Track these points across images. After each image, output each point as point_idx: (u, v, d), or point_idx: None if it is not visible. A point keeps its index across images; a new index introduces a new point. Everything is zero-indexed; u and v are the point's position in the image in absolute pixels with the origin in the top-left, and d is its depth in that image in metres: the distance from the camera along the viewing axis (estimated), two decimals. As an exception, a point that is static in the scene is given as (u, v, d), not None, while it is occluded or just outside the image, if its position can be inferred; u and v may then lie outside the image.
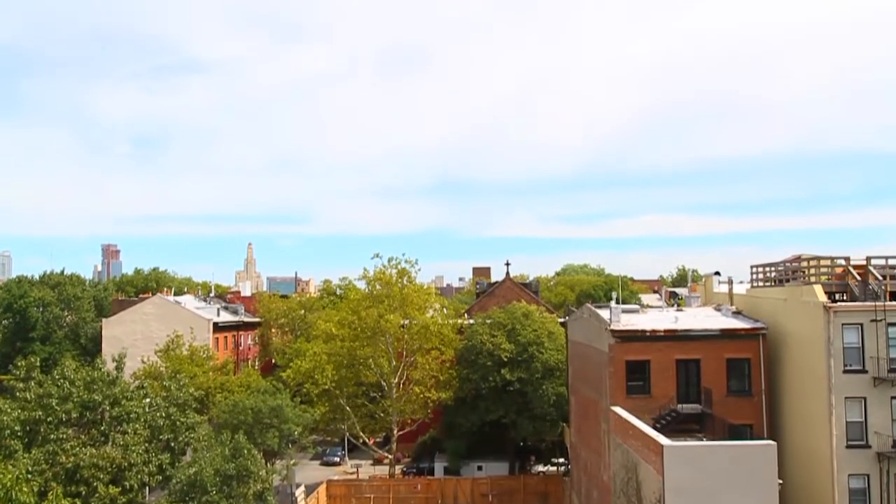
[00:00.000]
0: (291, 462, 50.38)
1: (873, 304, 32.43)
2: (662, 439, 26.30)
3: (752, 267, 41.99)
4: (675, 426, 33.72)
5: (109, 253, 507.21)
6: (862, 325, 32.28)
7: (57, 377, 37.58)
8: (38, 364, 39.35)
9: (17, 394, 37.22)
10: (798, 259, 38.22)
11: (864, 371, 32.13)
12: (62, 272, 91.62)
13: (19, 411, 35.40)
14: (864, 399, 32.08)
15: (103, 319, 75.25)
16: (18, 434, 34.56)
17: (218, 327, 74.07)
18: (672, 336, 37.06)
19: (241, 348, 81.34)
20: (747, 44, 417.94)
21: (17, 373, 38.59)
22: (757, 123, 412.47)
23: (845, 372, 32.07)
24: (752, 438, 31.86)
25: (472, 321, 59.98)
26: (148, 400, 40.29)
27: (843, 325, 32.27)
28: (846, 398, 31.98)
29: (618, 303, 44.25)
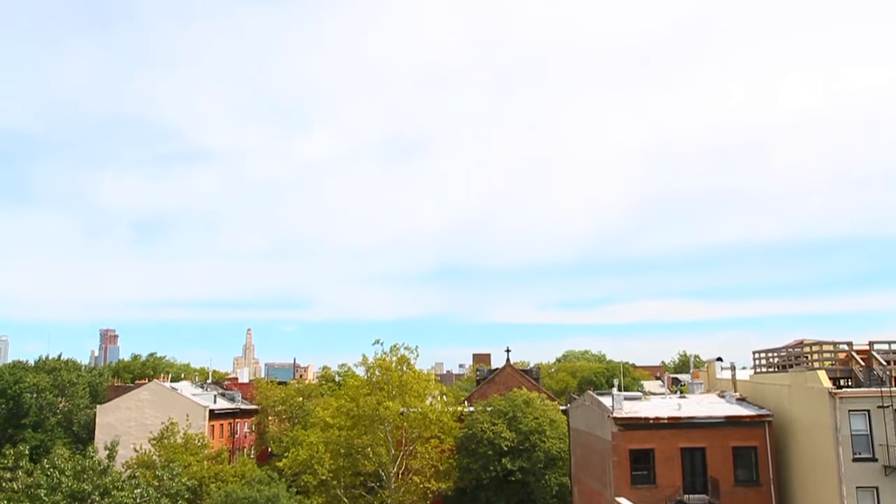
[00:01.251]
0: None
1: (879, 389, 31.96)
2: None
3: (754, 352, 41.65)
4: (682, 518, 32.66)
5: (108, 338, 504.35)
6: (869, 411, 31.72)
7: (47, 466, 36.67)
8: (26, 453, 38.50)
9: (4, 484, 36.24)
10: (800, 344, 37.91)
11: (874, 459, 31.35)
12: (59, 357, 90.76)
13: (6, 502, 34.42)
14: (876, 489, 31.17)
15: (98, 406, 74.08)
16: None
17: (214, 414, 72.77)
18: (676, 424, 36.36)
19: (237, 436, 79.66)
20: (743, 132, 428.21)
21: (5, 462, 37.70)
22: (753, 209, 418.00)
23: (855, 460, 31.28)
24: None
25: (472, 409, 59.03)
26: (139, 490, 39.14)
27: (849, 411, 31.71)
28: (857, 488, 31.06)
29: (620, 390, 43.63)
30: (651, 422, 36.28)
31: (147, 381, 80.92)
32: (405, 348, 57.05)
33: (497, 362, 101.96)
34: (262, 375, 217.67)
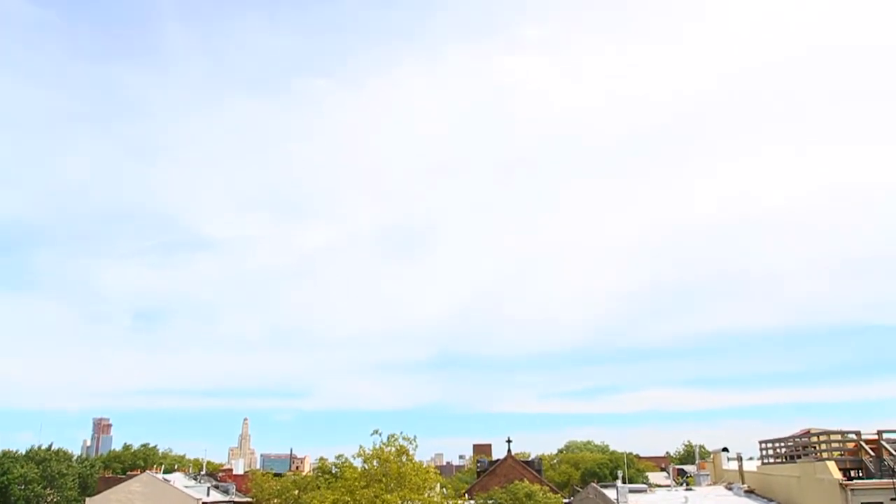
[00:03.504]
0: None
1: (891, 481, 31.14)
2: None
3: (760, 442, 40.80)
4: None
5: (100, 427, 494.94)
6: (881, 503, 30.84)
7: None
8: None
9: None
10: (807, 433, 37.18)
11: (890, 556, 30.24)
12: (49, 447, 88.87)
13: None
14: (895, 588, 29.93)
15: (87, 498, 72.06)
16: None
17: (207, 507, 70.62)
18: (683, 517, 35.23)
19: (229, 531, 76.99)
20: (743, 220, 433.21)
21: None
22: (754, 296, 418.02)
23: (870, 557, 30.19)
24: None
25: (472, 502, 57.38)
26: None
27: (861, 504, 30.86)
28: (873, 586, 29.86)
29: (624, 482, 42.54)
30: (657, 515, 35.16)
31: (139, 472, 79.06)
32: (404, 438, 55.80)
33: (498, 453, 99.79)
34: (258, 466, 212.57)
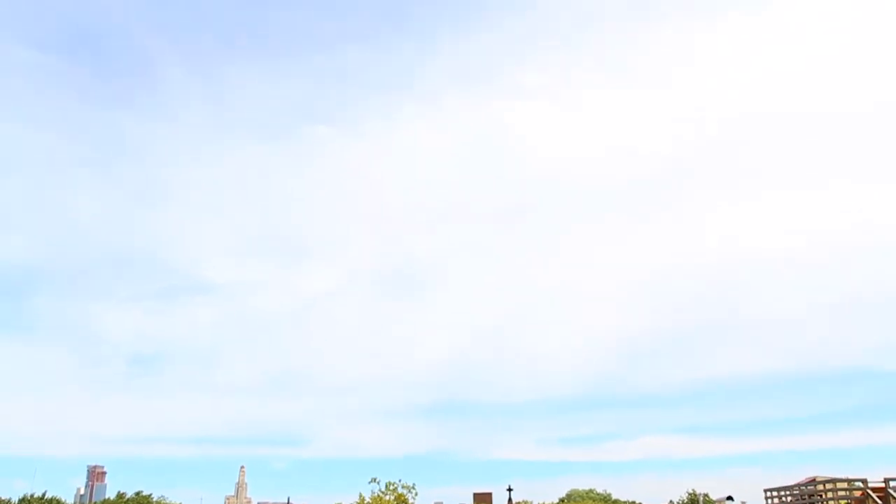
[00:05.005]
0: None
1: (899, 531, 30.50)
2: None
3: (765, 491, 40.10)
4: None
5: (95, 475, 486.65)
6: (891, 554, 30.14)
7: None
8: None
9: None
10: (813, 481, 36.58)
11: None
12: (43, 495, 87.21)
13: None
14: None
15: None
16: None
17: (200, 558, 69.13)
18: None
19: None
20: (744, 264, 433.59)
21: None
22: (758, 341, 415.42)
23: None
24: None
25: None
26: None
27: (870, 554, 30.14)
28: None
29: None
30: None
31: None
32: (403, 486, 55.04)
33: (499, 501, 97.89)
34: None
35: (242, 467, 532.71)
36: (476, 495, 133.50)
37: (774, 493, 39.40)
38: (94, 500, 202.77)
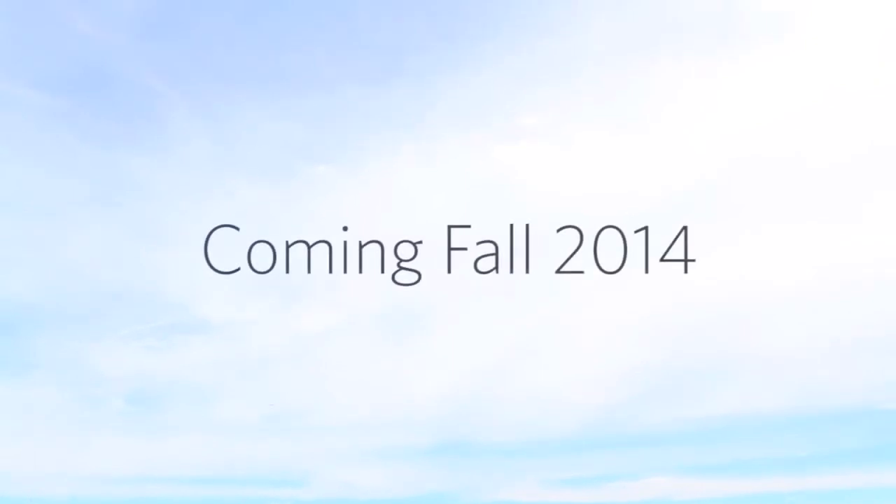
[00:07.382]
0: None
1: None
2: None
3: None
4: None
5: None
6: None
7: None
8: None
9: None
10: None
11: None
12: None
13: None
14: None
15: None
16: None
17: None
18: None
19: None
20: (748, 301, 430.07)
21: None
22: (763, 380, 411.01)
23: None
24: None
25: None
26: None
27: None
28: None
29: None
30: None
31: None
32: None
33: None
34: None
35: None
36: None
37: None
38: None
